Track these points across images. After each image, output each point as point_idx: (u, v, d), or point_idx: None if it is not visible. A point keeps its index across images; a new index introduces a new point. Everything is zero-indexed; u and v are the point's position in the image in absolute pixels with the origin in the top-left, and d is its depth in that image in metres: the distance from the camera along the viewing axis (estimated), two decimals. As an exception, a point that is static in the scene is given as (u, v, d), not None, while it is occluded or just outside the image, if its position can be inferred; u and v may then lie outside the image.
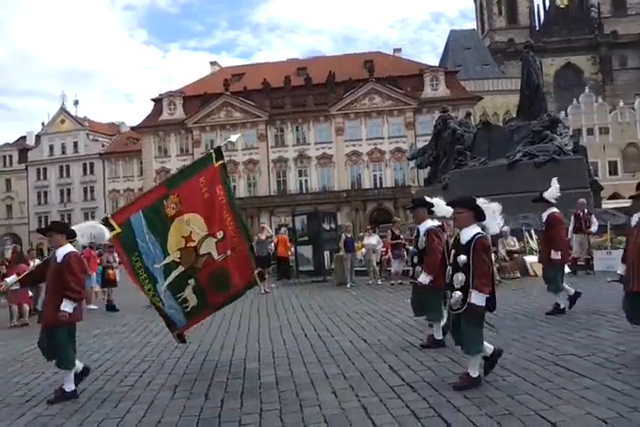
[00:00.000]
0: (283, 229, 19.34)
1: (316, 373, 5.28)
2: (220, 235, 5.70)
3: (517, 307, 8.47)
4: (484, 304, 4.40)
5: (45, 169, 60.04)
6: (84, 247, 11.72)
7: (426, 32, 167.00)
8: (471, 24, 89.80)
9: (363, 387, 4.69)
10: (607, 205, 21.24)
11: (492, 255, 13.37)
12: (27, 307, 10.94)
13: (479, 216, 4.55)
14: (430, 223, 6.15)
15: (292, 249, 17.44)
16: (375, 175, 50.37)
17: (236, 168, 51.51)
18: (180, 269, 5.56)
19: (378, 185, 49.97)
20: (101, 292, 13.40)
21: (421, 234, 6.14)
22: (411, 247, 13.73)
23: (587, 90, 58.71)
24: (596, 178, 19.70)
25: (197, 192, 5.65)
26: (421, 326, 7.30)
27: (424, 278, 5.91)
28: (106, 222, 5.29)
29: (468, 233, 4.50)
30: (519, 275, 12.82)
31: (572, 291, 7.65)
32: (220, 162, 5.80)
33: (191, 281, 5.61)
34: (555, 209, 7.85)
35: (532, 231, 13.72)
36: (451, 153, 18.77)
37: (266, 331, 7.90)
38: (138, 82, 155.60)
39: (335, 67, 50.73)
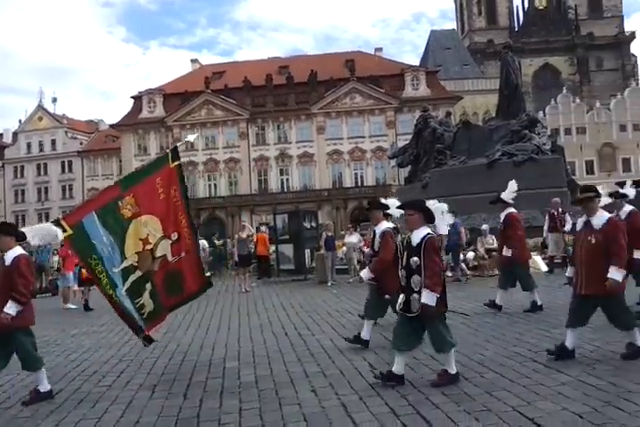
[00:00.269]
0: (262, 228, 19.30)
1: (295, 371, 5.27)
2: (174, 236, 5.58)
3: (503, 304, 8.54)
4: (434, 304, 4.43)
5: (23, 167, 58.99)
6: (61, 246, 11.58)
7: (407, 32, 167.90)
8: (451, 24, 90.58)
9: (342, 385, 4.69)
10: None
11: (472, 253, 13.56)
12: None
13: (429, 218, 4.60)
14: (386, 225, 6.12)
15: (272, 248, 17.41)
16: (356, 174, 50.50)
17: (216, 166, 51.27)
18: (138, 273, 5.34)
19: (359, 184, 50.11)
20: (79, 291, 13.22)
21: (377, 236, 6.13)
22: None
23: (564, 90, 59.57)
24: (573, 177, 19.99)
25: (154, 193, 5.50)
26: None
27: (365, 274, 5.94)
28: (57, 224, 5.04)
29: (419, 235, 4.54)
30: (497, 272, 12.93)
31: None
32: (176, 162, 5.68)
33: (148, 285, 5.40)
34: (512, 209, 8.03)
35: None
36: (431, 152, 18.87)
37: (246, 330, 7.86)
38: (117, 79, 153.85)
39: (317, 66, 50.71)
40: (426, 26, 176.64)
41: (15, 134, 60.52)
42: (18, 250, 4.94)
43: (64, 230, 5.02)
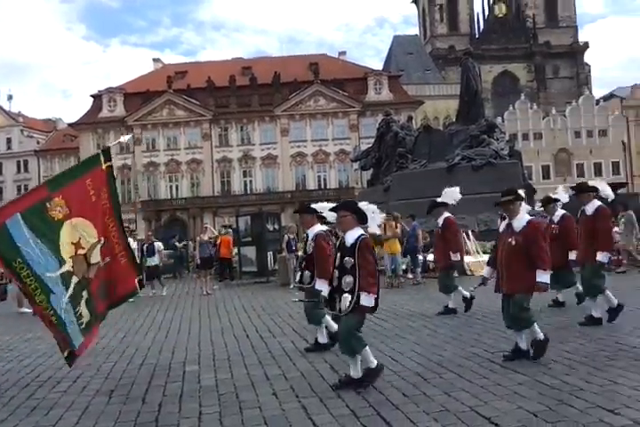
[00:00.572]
0: (225, 230, 19.14)
1: (256, 374, 5.24)
2: (102, 240, 5.33)
3: (456, 306, 8.69)
4: (372, 304, 4.46)
5: (-25, 166, 57.03)
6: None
7: (370, 36, 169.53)
8: (414, 30, 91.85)
9: (303, 387, 4.69)
10: (540, 207, 22.13)
11: (432, 256, 13.74)
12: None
13: (361, 219, 4.64)
14: (318, 228, 6.09)
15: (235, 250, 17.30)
16: (320, 176, 50.64)
17: (178, 167, 50.63)
18: (75, 279, 5.01)
19: (322, 186, 50.28)
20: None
21: (309, 239, 6.09)
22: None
23: (522, 97, 61.16)
24: (530, 181, 20.53)
25: (85, 195, 5.23)
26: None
27: (321, 285, 5.67)
28: None
29: (352, 235, 4.57)
30: (457, 274, 13.17)
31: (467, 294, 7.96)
32: (107, 164, 5.43)
33: (85, 293, 5.08)
34: (448, 213, 8.26)
35: (470, 232, 14.14)
36: (393, 155, 19.11)
37: (207, 333, 7.78)
38: (76, 77, 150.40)
39: (280, 67, 50.66)
40: (389, 31, 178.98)
41: (-33, 132, 58.44)
42: None
43: None
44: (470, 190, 15.57)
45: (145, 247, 14.39)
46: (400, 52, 65.45)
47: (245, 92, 50.41)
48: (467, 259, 13.43)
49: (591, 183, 6.97)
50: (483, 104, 20.11)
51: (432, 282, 12.73)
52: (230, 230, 18.45)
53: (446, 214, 8.24)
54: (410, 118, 24.27)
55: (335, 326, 5.93)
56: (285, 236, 14.93)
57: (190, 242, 23.32)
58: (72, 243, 5.05)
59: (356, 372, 4.54)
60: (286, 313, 9.15)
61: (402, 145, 19.16)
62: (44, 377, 5.71)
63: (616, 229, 13.38)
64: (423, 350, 5.77)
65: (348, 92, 50.44)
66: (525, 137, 55.31)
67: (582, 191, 6.78)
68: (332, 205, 5.41)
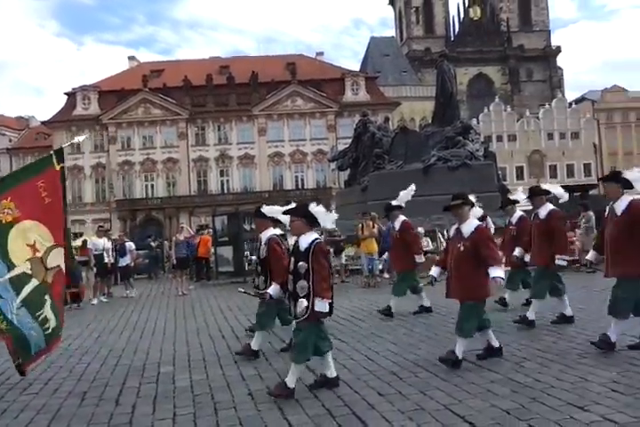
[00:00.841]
0: (203, 231, 19.05)
1: (232, 375, 5.22)
2: (62, 245, 5.12)
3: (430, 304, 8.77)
4: (327, 310, 4.38)
5: (-57, 164, 55.62)
6: None
7: (347, 37, 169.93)
8: (390, 32, 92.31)
9: (279, 387, 4.68)
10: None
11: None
12: None
13: (312, 222, 4.55)
14: (271, 232, 5.99)
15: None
16: (297, 176, 50.59)
17: (154, 167, 50.08)
18: (35, 282, 4.81)
19: (299, 186, 50.23)
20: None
21: (262, 243, 6.00)
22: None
23: (497, 99, 62.10)
24: (504, 182, 20.81)
25: (36, 197, 4.95)
26: (340, 325, 7.42)
27: (274, 290, 5.62)
28: None
29: (306, 240, 4.49)
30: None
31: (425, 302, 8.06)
32: (60, 165, 5.17)
33: (47, 297, 4.89)
34: (404, 217, 8.26)
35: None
36: (370, 156, 19.18)
37: (182, 333, 7.72)
38: (49, 75, 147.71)
39: (258, 67, 50.47)
40: (365, 32, 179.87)
41: (-64, 129, 56.97)
42: None
43: None
44: (446, 191, 15.66)
45: (117, 247, 14.20)
46: (377, 53, 65.77)
47: (222, 92, 50.09)
48: (442, 259, 13.59)
49: (544, 186, 7.02)
50: (458, 106, 20.31)
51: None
52: (211, 230, 18.31)
53: (402, 218, 8.23)
54: (387, 119, 24.40)
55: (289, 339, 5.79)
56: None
57: (166, 242, 23.12)
58: (27, 245, 4.86)
59: (291, 381, 4.39)
60: (263, 313, 9.11)
61: (379, 146, 19.23)
62: (14, 379, 5.59)
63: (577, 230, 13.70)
64: (399, 349, 5.81)
65: (326, 92, 50.50)
66: (500, 139, 56.08)
67: (535, 195, 6.83)
68: (284, 208, 5.29)
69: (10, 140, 56.51)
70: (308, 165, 50.54)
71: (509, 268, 7.90)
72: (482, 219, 7.83)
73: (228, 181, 50.56)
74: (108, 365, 6.05)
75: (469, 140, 17.91)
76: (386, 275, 13.46)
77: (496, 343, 5.22)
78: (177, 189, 50.09)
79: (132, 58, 57.86)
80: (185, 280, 14.33)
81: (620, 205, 5.20)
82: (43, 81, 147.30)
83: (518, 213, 7.72)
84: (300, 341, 4.42)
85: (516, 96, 78.24)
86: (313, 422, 3.85)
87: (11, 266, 4.72)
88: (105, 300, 12.89)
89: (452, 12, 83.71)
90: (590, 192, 24.02)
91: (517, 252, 7.23)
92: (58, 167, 5.16)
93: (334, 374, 4.60)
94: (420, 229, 14.00)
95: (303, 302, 4.38)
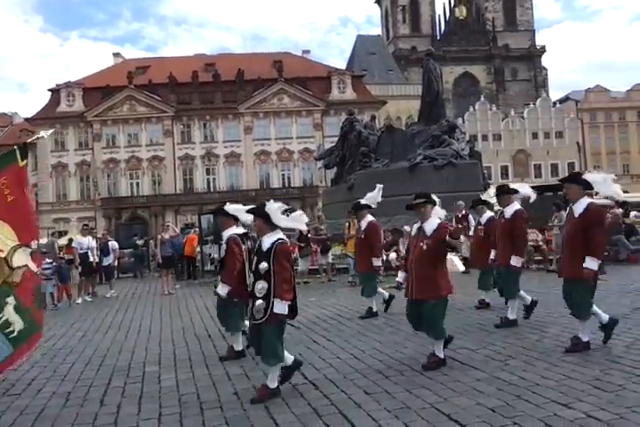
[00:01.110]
0: (189, 230, 18.93)
1: (218, 374, 5.20)
2: (34, 245, 4.96)
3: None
4: (286, 312, 4.32)
5: None
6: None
7: (333, 35, 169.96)
8: (377, 30, 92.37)
9: (266, 387, 4.67)
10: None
11: (394, 254, 13.88)
12: None
13: (270, 222, 4.47)
14: (233, 231, 5.88)
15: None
16: (284, 175, 50.53)
17: (139, 164, 49.72)
18: None
19: (286, 184, 50.18)
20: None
21: (223, 242, 5.91)
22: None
23: (482, 98, 62.48)
24: (489, 181, 20.93)
25: None
26: (327, 324, 7.43)
27: (222, 289, 5.63)
28: None
29: (269, 240, 4.43)
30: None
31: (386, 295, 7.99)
32: (25, 161, 5.00)
33: (10, 299, 4.66)
34: (372, 218, 8.16)
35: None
36: (356, 154, 19.18)
37: (168, 332, 7.67)
38: (33, 71, 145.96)
39: (244, 64, 50.28)
40: (352, 30, 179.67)
41: None
42: None
43: None
44: (432, 190, 15.73)
45: (100, 246, 14.04)
46: (363, 51, 65.85)
47: (208, 89, 49.82)
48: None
49: (512, 185, 7.03)
50: (444, 105, 20.38)
51: (393, 280, 12.88)
52: (197, 229, 18.18)
53: (370, 218, 8.12)
54: (373, 118, 24.39)
55: (241, 344, 5.76)
56: (249, 234, 14.81)
57: (151, 240, 22.95)
58: None
59: (272, 382, 4.37)
60: (249, 312, 9.09)
61: (365, 144, 19.25)
62: (-4, 380, 5.53)
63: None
64: (385, 348, 5.82)
65: (312, 90, 50.45)
66: (485, 138, 56.50)
67: (503, 193, 6.85)
68: (248, 207, 5.24)
69: (-8, 137, 55.74)
70: (294, 163, 50.50)
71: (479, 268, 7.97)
72: (465, 217, 7.91)
73: (214, 179, 50.35)
74: (93, 364, 5.99)
75: (455, 139, 18.00)
76: (349, 277, 13.40)
77: (440, 353, 5.02)
78: (162, 188, 49.77)
79: (117, 54, 57.43)
80: (170, 279, 14.23)
81: (579, 207, 5.25)
82: (27, 77, 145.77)
83: (488, 213, 7.67)
84: (267, 344, 4.34)
85: (501, 95, 78.85)
86: (299, 421, 3.85)
87: None
88: (89, 299, 12.77)
89: (439, 11, 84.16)
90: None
91: (493, 255, 7.12)
92: (22, 164, 4.95)
93: (274, 385, 4.42)
94: (407, 228, 14.05)
95: (261, 304, 4.31)
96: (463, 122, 53.99)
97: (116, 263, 14.97)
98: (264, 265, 4.35)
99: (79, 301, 12.35)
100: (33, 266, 4.93)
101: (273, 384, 4.37)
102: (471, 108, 59.21)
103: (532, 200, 6.90)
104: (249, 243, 6.00)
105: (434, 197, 5.20)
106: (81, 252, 12.88)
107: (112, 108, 49.61)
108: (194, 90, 49.84)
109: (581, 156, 58.70)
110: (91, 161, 49.41)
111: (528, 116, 58.55)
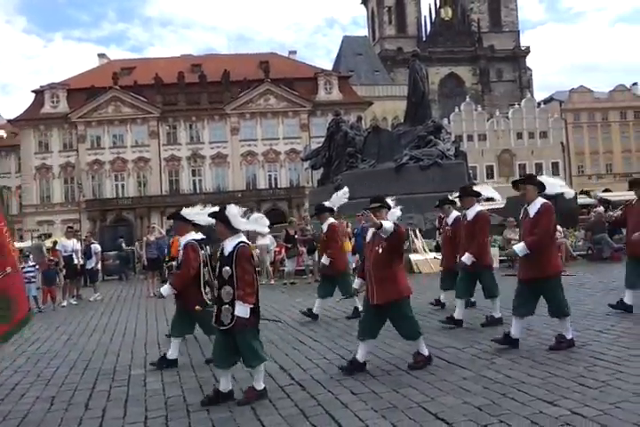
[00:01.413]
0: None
1: (204, 376, 5.17)
2: (9, 269, 4.71)
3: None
4: (247, 315, 4.25)
5: None
6: None
7: (320, 36, 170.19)
8: (363, 31, 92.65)
9: (253, 388, 4.65)
10: (484, 206, 22.78)
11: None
12: None
13: (230, 226, 4.43)
14: (191, 236, 5.78)
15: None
16: (270, 175, 50.45)
17: (124, 166, 49.37)
18: None
19: (273, 185, 50.12)
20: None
21: (180, 248, 5.81)
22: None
23: (467, 99, 62.88)
24: (474, 181, 21.06)
25: None
26: (314, 325, 7.41)
27: (166, 290, 5.58)
28: None
29: (231, 244, 4.40)
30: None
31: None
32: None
33: None
34: (333, 219, 8.16)
35: (417, 231, 14.40)
36: (343, 155, 19.22)
37: (153, 335, 7.62)
38: (17, 72, 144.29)
39: (230, 65, 50.15)
40: (338, 31, 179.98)
41: None
42: None
43: None
44: (418, 190, 15.90)
45: (83, 249, 13.88)
46: (349, 52, 65.97)
47: (194, 90, 49.62)
48: (414, 257, 13.69)
49: (475, 188, 7.04)
50: (430, 105, 20.51)
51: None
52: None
53: (331, 220, 8.10)
54: (359, 118, 24.47)
55: (176, 352, 5.68)
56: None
57: (137, 242, 22.78)
58: None
59: (258, 384, 4.35)
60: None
61: (351, 145, 19.29)
62: (-21, 385, 5.46)
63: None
64: (372, 348, 5.81)
65: (299, 91, 50.45)
66: (470, 138, 56.87)
67: (465, 195, 6.87)
68: (205, 210, 5.19)
69: (-26, 139, 55.00)
70: (281, 164, 50.44)
71: (443, 268, 8.00)
72: (445, 216, 7.91)
73: (200, 180, 50.14)
74: (78, 368, 5.93)
75: (441, 140, 18.10)
76: (310, 278, 13.40)
77: (362, 358, 4.98)
78: (148, 189, 49.47)
79: (102, 55, 57.03)
80: (156, 281, 14.13)
81: (534, 208, 5.33)
82: (10, 78, 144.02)
83: (454, 213, 7.63)
84: (245, 347, 4.30)
85: (487, 96, 79.40)
86: (286, 422, 3.83)
87: None
88: (74, 302, 12.64)
89: (424, 12, 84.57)
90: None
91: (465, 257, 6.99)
92: None
93: (229, 389, 4.39)
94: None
95: (228, 309, 4.27)
96: (449, 122, 54.25)
97: (99, 266, 14.78)
98: (227, 269, 4.31)
99: (64, 304, 12.22)
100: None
101: (259, 386, 4.37)
102: (457, 109, 59.56)
103: (499, 200, 6.90)
104: (209, 248, 5.94)
105: (389, 200, 5.17)
106: (65, 254, 12.75)
107: (97, 110, 49.23)
108: (180, 91, 49.62)
109: (565, 155, 59.30)
110: (75, 163, 48.98)
111: (513, 117, 59.01)
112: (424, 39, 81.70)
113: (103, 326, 8.76)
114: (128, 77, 50.11)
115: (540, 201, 5.38)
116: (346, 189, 8.32)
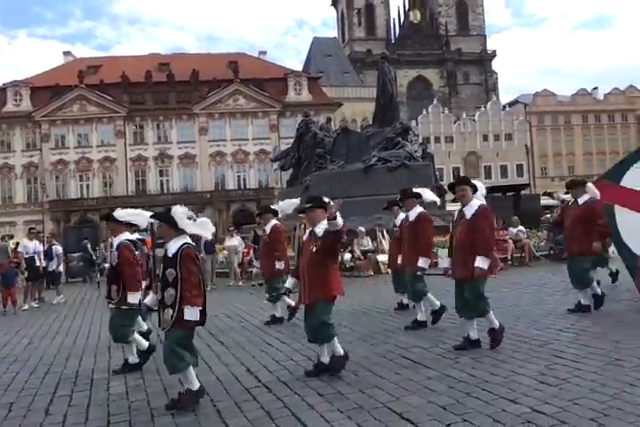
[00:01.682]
0: (146, 233, 18.49)
1: (169, 379, 5.08)
2: None
3: (369, 303, 8.89)
4: (197, 318, 4.18)
5: None
6: None
7: (290, 37, 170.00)
8: (333, 33, 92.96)
9: (219, 391, 4.62)
10: (450, 207, 23.11)
11: (348, 255, 13.94)
12: None
13: (175, 227, 4.33)
14: (125, 237, 5.66)
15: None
16: (239, 176, 50.11)
17: (90, 166, 48.40)
18: None
19: (242, 186, 49.79)
20: None
21: (113, 249, 5.70)
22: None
23: (435, 101, 63.70)
24: (441, 183, 21.33)
25: None
26: (281, 326, 7.39)
27: (133, 298, 5.45)
28: None
29: (175, 245, 4.30)
30: (372, 273, 13.56)
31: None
32: None
33: None
34: (276, 221, 8.11)
35: (385, 232, 14.52)
36: (312, 156, 19.26)
37: (118, 338, 7.47)
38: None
39: (199, 65, 49.64)
40: (308, 33, 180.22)
41: None
42: None
43: None
44: (386, 191, 15.97)
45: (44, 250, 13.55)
46: (319, 54, 66.07)
47: (162, 89, 48.92)
48: (381, 258, 13.80)
49: (415, 189, 7.11)
50: (398, 108, 20.70)
51: (354, 280, 12.96)
52: (149, 232, 17.77)
53: (274, 222, 8.03)
54: (328, 120, 24.61)
55: (144, 344, 5.67)
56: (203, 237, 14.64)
57: (102, 244, 22.35)
58: None
59: (192, 385, 4.26)
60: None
61: (321, 146, 19.35)
62: None
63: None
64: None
65: (268, 92, 50.27)
66: (437, 140, 57.64)
67: (406, 197, 6.96)
68: (138, 211, 5.10)
69: None
70: (250, 164, 50.17)
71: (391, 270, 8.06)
72: (394, 218, 7.98)
73: (167, 180, 49.49)
74: (38, 373, 5.79)
75: (408, 142, 18.29)
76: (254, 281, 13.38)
77: (326, 359, 4.94)
78: (114, 190, 48.58)
79: (67, 53, 55.70)
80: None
81: (470, 210, 5.45)
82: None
83: (402, 215, 7.59)
84: (170, 350, 4.20)
85: (454, 98, 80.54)
86: (252, 424, 3.81)
87: None
88: (36, 305, 12.35)
89: (393, 14, 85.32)
90: (522, 192, 24.97)
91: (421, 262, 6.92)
92: None
93: (196, 387, 4.30)
94: (362, 228, 14.20)
95: (169, 312, 4.19)
96: (416, 124, 54.86)
97: (61, 268, 14.46)
98: (171, 271, 4.23)
99: (25, 307, 11.92)
100: None
101: (194, 386, 4.25)
102: (424, 111, 60.27)
103: (439, 204, 6.92)
104: (144, 248, 5.86)
105: (325, 199, 5.10)
106: (27, 256, 12.44)
107: (62, 108, 48.12)
108: (147, 90, 48.89)
109: (529, 157, 60.56)
110: (38, 162, 47.75)
111: (479, 119, 60.03)
112: (393, 42, 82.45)
113: (66, 330, 8.57)
114: (94, 76, 49.13)
115: (476, 203, 5.48)
116: (297, 200, 7.93)
